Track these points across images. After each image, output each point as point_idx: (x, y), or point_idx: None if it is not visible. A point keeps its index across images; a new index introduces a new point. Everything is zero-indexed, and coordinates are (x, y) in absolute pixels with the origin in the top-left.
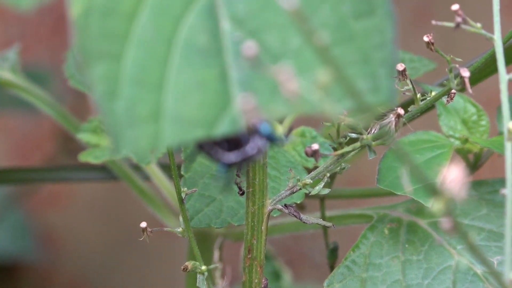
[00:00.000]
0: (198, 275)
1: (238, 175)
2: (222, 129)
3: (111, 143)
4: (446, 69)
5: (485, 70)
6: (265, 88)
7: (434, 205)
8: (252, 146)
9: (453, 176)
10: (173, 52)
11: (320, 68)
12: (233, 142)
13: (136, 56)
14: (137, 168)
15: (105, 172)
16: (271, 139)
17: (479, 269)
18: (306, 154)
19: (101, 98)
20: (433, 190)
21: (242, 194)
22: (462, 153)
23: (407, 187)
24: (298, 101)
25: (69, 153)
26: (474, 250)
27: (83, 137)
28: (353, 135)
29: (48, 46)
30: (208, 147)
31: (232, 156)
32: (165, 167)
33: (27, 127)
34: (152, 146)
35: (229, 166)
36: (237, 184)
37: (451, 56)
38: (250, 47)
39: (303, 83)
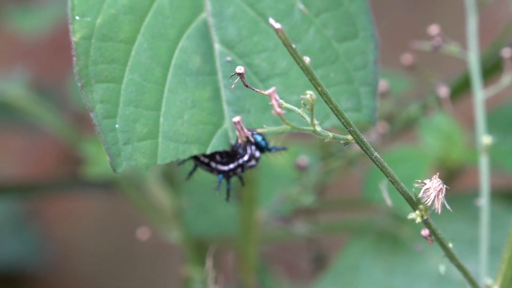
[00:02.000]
0: (193, 282)
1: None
2: (215, 145)
3: (110, 161)
4: (426, 86)
5: (463, 86)
6: (255, 107)
7: (413, 215)
8: (247, 155)
9: (430, 186)
10: (169, 74)
11: (305, 89)
12: (228, 153)
13: (134, 78)
14: (135, 182)
15: (105, 186)
16: (264, 148)
17: (456, 275)
18: (295, 167)
19: (101, 118)
20: (411, 201)
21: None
22: (441, 165)
23: (387, 200)
24: (286, 119)
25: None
26: (451, 257)
27: (86, 149)
28: (338, 151)
29: (49, 64)
30: (202, 157)
31: (227, 166)
32: (163, 178)
33: (32, 143)
34: (150, 162)
35: (226, 174)
36: (228, 192)
37: (431, 73)
38: (240, 69)
39: (290, 102)
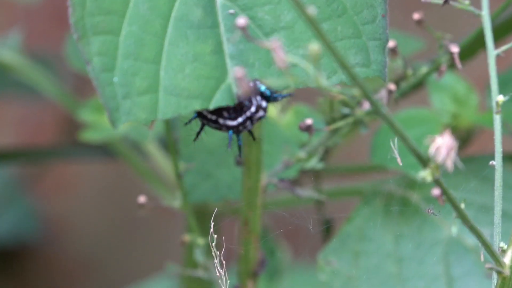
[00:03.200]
0: (195, 248)
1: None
2: (218, 100)
3: (109, 115)
4: (437, 46)
5: (475, 47)
6: (259, 61)
7: (423, 174)
8: (254, 106)
9: (441, 143)
10: (169, 26)
11: (311, 42)
12: (235, 107)
13: (133, 31)
14: (135, 147)
15: (104, 152)
16: (271, 97)
17: (469, 241)
18: (300, 128)
19: (99, 71)
20: (422, 160)
21: (239, 164)
22: (452, 129)
23: (398, 160)
24: (291, 74)
25: (72, 137)
26: (463, 218)
27: (84, 114)
28: (346, 111)
29: (53, 36)
30: (210, 114)
31: (235, 120)
32: (163, 145)
33: (29, 111)
34: (150, 117)
35: (235, 129)
36: (239, 148)
37: (442, 33)
38: (242, 21)
39: (295, 56)
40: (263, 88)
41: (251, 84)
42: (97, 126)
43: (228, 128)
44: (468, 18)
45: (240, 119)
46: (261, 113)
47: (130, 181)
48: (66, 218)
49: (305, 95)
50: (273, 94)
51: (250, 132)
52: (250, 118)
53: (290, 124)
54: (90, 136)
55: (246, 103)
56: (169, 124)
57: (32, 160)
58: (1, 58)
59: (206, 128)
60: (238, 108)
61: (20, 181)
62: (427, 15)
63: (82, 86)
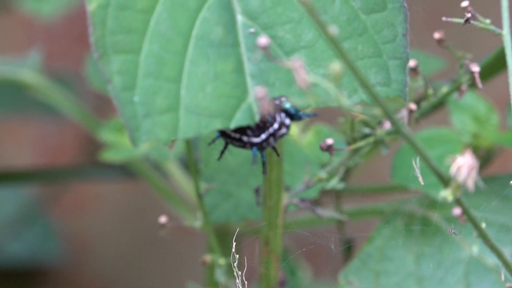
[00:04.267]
0: (216, 268)
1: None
2: (239, 120)
3: (129, 134)
4: (457, 65)
5: (495, 66)
6: (279, 80)
7: (444, 193)
8: (277, 123)
9: (462, 162)
10: (190, 45)
11: (332, 62)
12: (258, 125)
13: (153, 49)
14: (156, 167)
15: (125, 172)
16: (295, 115)
17: (490, 260)
18: (321, 148)
19: (119, 90)
20: (443, 180)
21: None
22: (473, 149)
23: (419, 179)
24: (312, 93)
25: (92, 158)
26: (484, 237)
27: (104, 134)
28: (367, 131)
29: (73, 56)
30: (233, 133)
31: (259, 137)
32: (184, 165)
33: (49, 131)
34: (170, 136)
35: (259, 146)
36: (264, 164)
37: (462, 52)
38: (263, 40)
39: (317, 75)
40: (287, 105)
41: (277, 101)
42: (118, 146)
43: (252, 145)
44: (490, 37)
45: (263, 136)
46: (284, 130)
47: (151, 201)
48: (86, 238)
49: (325, 115)
50: (298, 113)
51: (274, 148)
52: (273, 134)
53: (311, 144)
54: (110, 156)
55: (270, 119)
56: (190, 144)
57: (52, 180)
58: (21, 77)
59: (230, 147)
60: (261, 125)
61: (40, 201)
62: (447, 34)
63: (102, 106)
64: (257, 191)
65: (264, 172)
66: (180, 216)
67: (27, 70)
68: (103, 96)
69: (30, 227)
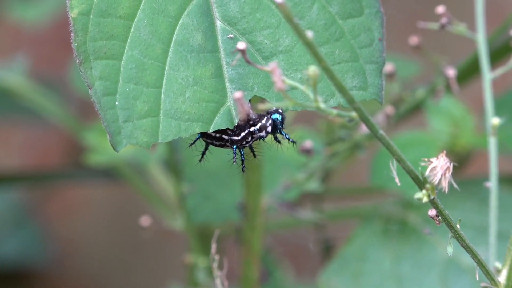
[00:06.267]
0: (196, 269)
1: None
2: (218, 123)
3: (110, 138)
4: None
5: (472, 70)
6: (258, 85)
7: (419, 195)
8: (260, 125)
9: (436, 164)
10: (170, 51)
11: (310, 66)
12: (239, 125)
13: (134, 55)
14: (139, 170)
15: (109, 175)
16: (277, 127)
17: (466, 261)
18: (300, 151)
19: (100, 95)
20: (418, 181)
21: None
22: (449, 151)
23: (396, 179)
24: (290, 97)
25: (77, 161)
26: (459, 238)
27: (88, 137)
28: (344, 134)
29: (59, 63)
30: (214, 133)
31: (239, 136)
32: (167, 167)
33: (34, 135)
34: (151, 140)
35: (239, 144)
36: (242, 162)
37: (439, 56)
38: (241, 44)
39: (294, 80)
40: (276, 115)
41: (273, 109)
42: (101, 149)
43: (233, 143)
44: (469, 40)
45: (242, 134)
46: (263, 133)
47: (135, 204)
48: (73, 241)
49: (307, 118)
50: (281, 128)
51: (251, 148)
52: (252, 133)
53: (291, 148)
54: (94, 159)
55: (253, 118)
56: (172, 147)
57: (38, 182)
58: (6, 82)
59: (210, 148)
60: (241, 125)
61: (27, 204)
62: (427, 36)
63: (87, 111)
64: (240, 207)
65: (243, 170)
66: (164, 218)
67: (12, 74)
68: (88, 100)
69: (18, 230)
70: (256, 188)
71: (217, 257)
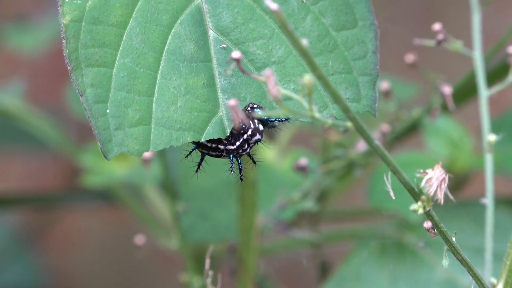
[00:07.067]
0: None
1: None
2: (210, 133)
3: (101, 146)
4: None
5: (468, 90)
6: (250, 95)
7: (415, 207)
8: (251, 129)
9: (432, 175)
10: (162, 59)
11: (303, 76)
12: (233, 134)
13: (126, 63)
14: (135, 192)
15: (105, 198)
16: (267, 121)
17: (463, 280)
18: (295, 169)
19: (92, 103)
20: (413, 192)
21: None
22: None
23: (391, 193)
24: (283, 107)
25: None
26: (454, 251)
27: (85, 159)
28: (340, 152)
29: (54, 91)
30: (209, 143)
31: (234, 144)
32: (163, 188)
33: (32, 160)
34: (142, 149)
35: (235, 153)
36: (240, 171)
37: (435, 75)
38: (236, 54)
39: (288, 90)
40: (257, 110)
41: (248, 108)
42: (97, 170)
43: (229, 152)
44: (464, 64)
45: (238, 143)
46: (257, 136)
47: (132, 229)
48: (71, 271)
49: (302, 139)
50: (270, 119)
51: (249, 155)
52: (247, 140)
53: (289, 169)
54: (90, 180)
55: (243, 125)
56: (167, 166)
57: (36, 205)
58: (2, 104)
59: (205, 165)
60: (235, 133)
61: (25, 234)
62: (426, 57)
63: (85, 136)
64: (232, 249)
65: (241, 179)
66: (158, 236)
67: (8, 96)
68: (86, 125)
69: (15, 261)
70: (251, 207)
71: (212, 276)
